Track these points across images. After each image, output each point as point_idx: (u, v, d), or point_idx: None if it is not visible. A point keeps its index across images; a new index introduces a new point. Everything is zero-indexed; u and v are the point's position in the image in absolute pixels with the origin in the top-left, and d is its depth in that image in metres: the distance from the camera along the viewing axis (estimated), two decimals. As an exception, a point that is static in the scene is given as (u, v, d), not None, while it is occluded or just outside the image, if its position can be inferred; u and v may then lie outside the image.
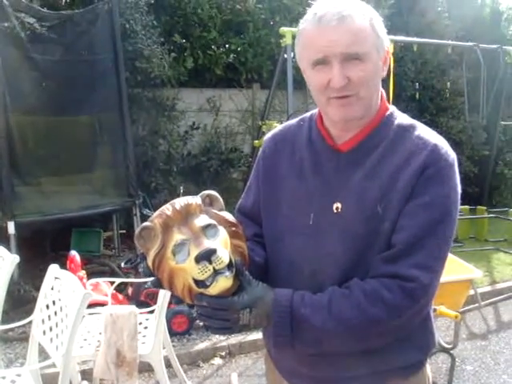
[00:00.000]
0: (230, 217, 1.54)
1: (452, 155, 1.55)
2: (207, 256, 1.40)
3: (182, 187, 6.28)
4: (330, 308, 1.47)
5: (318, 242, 1.59)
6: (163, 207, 1.48)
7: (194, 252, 1.41)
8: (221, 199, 1.55)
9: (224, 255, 1.43)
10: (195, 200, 1.49)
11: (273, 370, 1.85)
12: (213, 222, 1.48)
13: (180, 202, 1.48)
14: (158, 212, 1.48)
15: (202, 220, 1.46)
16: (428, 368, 1.76)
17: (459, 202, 1.55)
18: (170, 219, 1.44)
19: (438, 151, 1.53)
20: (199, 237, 1.43)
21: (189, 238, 1.42)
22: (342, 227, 1.55)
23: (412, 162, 1.51)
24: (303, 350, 1.54)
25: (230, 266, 1.45)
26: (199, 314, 1.47)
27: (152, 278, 1.50)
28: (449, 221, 1.51)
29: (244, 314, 1.45)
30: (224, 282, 1.44)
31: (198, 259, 1.40)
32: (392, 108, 1.66)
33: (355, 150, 1.59)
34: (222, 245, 1.45)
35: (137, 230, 1.47)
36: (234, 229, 1.52)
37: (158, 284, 1.49)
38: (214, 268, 1.41)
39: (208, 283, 1.43)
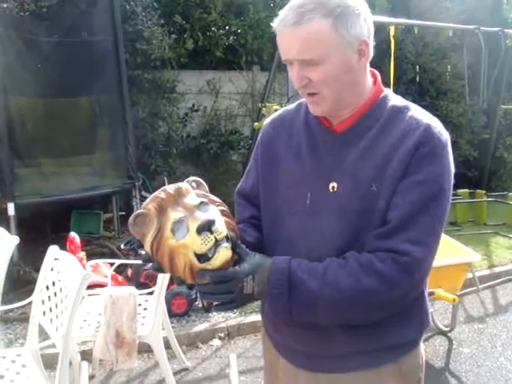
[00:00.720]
0: (216, 198, 1.60)
1: (445, 135, 1.58)
2: (208, 226, 1.45)
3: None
4: (326, 275, 1.50)
5: (314, 222, 1.62)
6: (154, 193, 1.52)
7: (194, 225, 1.45)
8: (205, 184, 1.62)
9: (222, 226, 1.49)
10: (184, 184, 1.54)
11: (270, 348, 1.89)
12: (204, 199, 1.53)
13: (170, 186, 1.52)
14: (149, 198, 1.52)
15: (194, 199, 1.52)
16: (422, 348, 1.78)
17: (452, 181, 1.57)
18: (164, 201, 1.48)
19: (432, 130, 1.55)
20: (195, 212, 1.47)
21: (185, 215, 1.46)
22: (338, 206, 1.58)
23: (406, 142, 1.54)
24: (299, 317, 1.55)
25: (227, 238, 1.50)
26: (202, 294, 1.48)
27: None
28: (442, 198, 1.54)
29: (247, 281, 1.48)
30: (225, 253, 1.48)
31: (200, 230, 1.44)
32: (387, 91, 1.68)
33: (350, 131, 1.63)
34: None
35: (130, 219, 1.49)
36: (222, 208, 1.58)
37: (159, 268, 1.51)
38: (215, 238, 1.45)
39: (210, 255, 1.46)
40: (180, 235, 1.45)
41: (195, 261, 1.46)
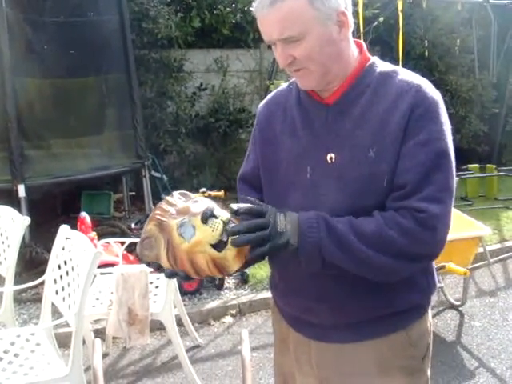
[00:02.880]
0: (204, 198, 1.62)
1: (436, 93, 1.61)
2: (211, 212, 1.46)
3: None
4: (352, 220, 1.54)
5: (316, 195, 1.64)
6: (148, 217, 1.55)
7: (197, 218, 1.46)
8: (189, 193, 1.62)
9: (222, 210, 1.50)
10: (170, 198, 1.57)
11: (279, 320, 1.91)
12: (194, 198, 1.55)
13: (159, 204, 1.55)
14: (146, 223, 1.54)
15: (184, 202, 1.54)
16: (430, 314, 1.80)
17: (451, 136, 1.61)
18: (161, 216, 1.50)
19: (423, 91, 1.59)
20: (191, 210, 1.49)
21: (185, 217, 1.48)
22: (337, 176, 1.60)
23: (399, 104, 1.57)
24: (329, 258, 1.53)
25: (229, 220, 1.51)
26: (235, 241, 1.45)
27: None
28: (448, 153, 1.57)
29: (280, 217, 1.50)
30: None
31: (205, 219, 1.46)
32: (373, 59, 1.71)
33: (341, 101, 1.65)
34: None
35: (138, 248, 1.54)
36: (211, 195, 1.58)
37: (186, 276, 1.53)
38: (222, 221, 1.46)
39: (225, 239, 1.46)
40: (188, 235, 1.46)
41: (214, 252, 1.46)
